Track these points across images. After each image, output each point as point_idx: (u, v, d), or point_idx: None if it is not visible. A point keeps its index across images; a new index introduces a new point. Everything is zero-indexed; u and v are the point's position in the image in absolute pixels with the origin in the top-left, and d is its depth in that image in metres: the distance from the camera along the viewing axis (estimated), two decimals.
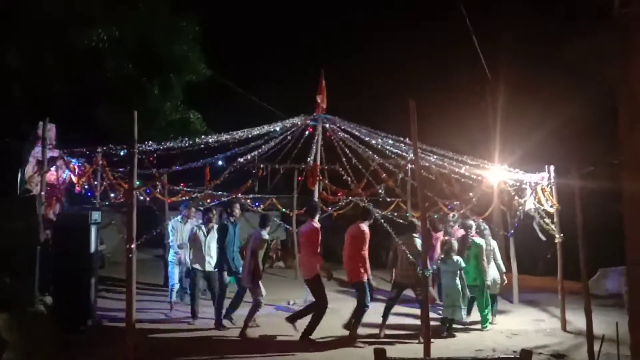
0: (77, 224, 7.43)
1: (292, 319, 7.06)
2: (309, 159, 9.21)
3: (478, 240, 7.89)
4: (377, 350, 3.75)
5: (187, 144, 7.98)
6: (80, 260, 7.36)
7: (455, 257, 7.57)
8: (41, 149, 7.78)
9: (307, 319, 6.98)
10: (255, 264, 7.17)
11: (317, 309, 6.90)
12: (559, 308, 8.14)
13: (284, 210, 13.34)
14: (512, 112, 16.00)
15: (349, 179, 9.08)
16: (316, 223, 7.16)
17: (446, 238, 8.53)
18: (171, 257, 8.80)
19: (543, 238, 8.77)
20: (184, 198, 9.55)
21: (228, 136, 8.44)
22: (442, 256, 7.80)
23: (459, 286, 7.44)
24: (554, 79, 14.61)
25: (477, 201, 9.21)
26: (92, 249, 7.51)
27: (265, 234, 7.38)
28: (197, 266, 7.90)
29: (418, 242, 7.13)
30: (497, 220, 14.01)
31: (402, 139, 8.43)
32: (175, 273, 8.68)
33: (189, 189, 10.34)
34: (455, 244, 7.72)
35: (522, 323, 8.27)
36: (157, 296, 9.80)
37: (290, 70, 17.76)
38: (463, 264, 7.58)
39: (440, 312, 7.81)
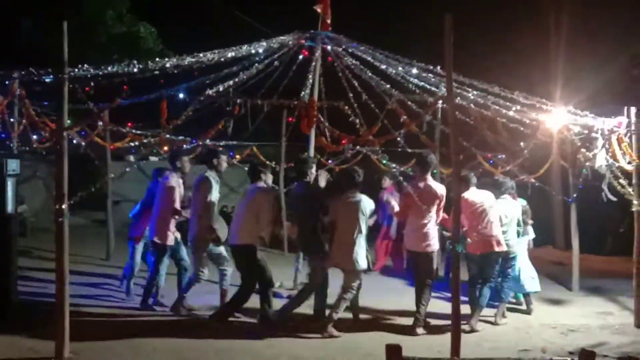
0: None
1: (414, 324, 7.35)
2: (303, 92, 9.10)
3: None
4: (390, 347, 3.82)
5: (136, 69, 7.86)
6: None
7: None
8: None
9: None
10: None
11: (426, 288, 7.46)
12: (633, 298, 8.25)
13: (268, 162, 13.32)
14: (581, 34, 15.79)
15: (357, 121, 9.02)
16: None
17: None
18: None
19: (613, 199, 8.82)
20: (132, 143, 9.52)
21: (192, 59, 8.31)
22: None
23: None
24: None
25: (530, 155, 9.20)
26: (9, 210, 7.51)
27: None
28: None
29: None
30: (555, 180, 14.08)
31: (431, 67, 8.33)
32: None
33: (138, 132, 10.27)
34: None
35: (582, 316, 8.43)
36: (99, 276, 9.91)
37: None
38: None
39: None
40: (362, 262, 7.32)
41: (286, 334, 7.04)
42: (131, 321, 7.52)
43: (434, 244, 7.50)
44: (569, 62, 15.89)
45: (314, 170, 7.73)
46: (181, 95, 8.90)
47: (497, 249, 7.70)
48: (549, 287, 10.17)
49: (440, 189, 7.52)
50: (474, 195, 7.87)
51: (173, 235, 8.11)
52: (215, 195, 7.77)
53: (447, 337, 5.72)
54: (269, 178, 7.95)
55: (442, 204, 7.49)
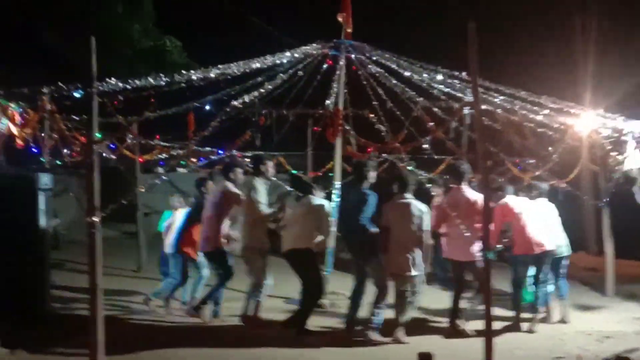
0: (20, 190, 7.52)
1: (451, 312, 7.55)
2: (328, 101, 9.15)
3: None
4: (422, 356, 3.81)
5: (163, 82, 7.96)
6: (26, 239, 7.47)
7: None
8: None
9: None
10: None
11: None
12: None
13: (294, 172, 13.34)
14: (612, 37, 15.58)
15: (383, 128, 9.03)
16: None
17: None
18: None
19: None
20: (161, 155, 9.64)
21: (218, 71, 8.40)
22: None
23: None
24: None
25: (559, 159, 9.12)
26: (42, 223, 7.63)
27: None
28: None
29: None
30: (585, 185, 13.88)
31: (456, 73, 8.31)
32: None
33: (166, 144, 10.40)
34: None
35: (617, 322, 8.30)
36: (131, 288, 10.02)
37: None
38: None
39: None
40: (419, 267, 7.14)
41: (318, 344, 7.02)
42: (163, 332, 7.57)
43: (477, 252, 7.34)
44: (598, 65, 15.67)
45: (374, 174, 7.44)
46: (207, 107, 9.01)
47: (546, 248, 7.82)
48: (583, 293, 10.03)
49: (476, 196, 7.44)
50: (513, 200, 7.95)
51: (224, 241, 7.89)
52: (265, 204, 7.60)
53: (479, 343, 5.66)
54: (319, 194, 7.74)
55: (479, 210, 7.40)
